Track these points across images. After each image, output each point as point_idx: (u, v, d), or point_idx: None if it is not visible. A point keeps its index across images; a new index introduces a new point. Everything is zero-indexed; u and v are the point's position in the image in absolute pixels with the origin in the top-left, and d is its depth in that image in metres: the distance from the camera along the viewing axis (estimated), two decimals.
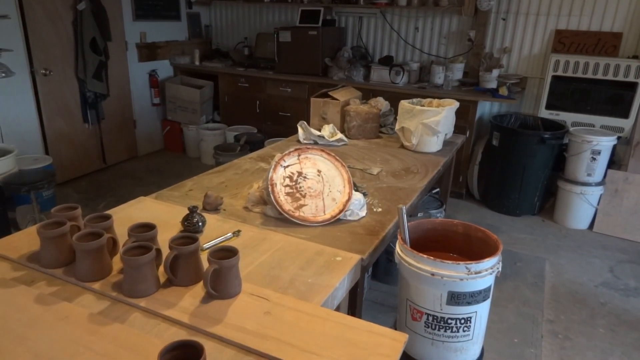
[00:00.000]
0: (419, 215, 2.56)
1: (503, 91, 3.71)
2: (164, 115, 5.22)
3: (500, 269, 1.58)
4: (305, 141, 2.43)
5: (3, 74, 3.34)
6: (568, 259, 3.08)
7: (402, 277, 1.78)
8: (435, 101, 2.49)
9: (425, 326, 1.71)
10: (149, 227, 1.14)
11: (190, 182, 1.84)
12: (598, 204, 3.49)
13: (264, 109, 4.77)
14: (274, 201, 1.47)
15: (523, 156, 3.55)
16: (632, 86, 3.44)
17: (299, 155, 1.62)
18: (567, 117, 3.71)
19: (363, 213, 1.58)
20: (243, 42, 5.36)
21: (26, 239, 1.26)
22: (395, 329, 1.04)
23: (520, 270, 2.93)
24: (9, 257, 1.18)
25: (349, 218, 1.54)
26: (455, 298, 1.62)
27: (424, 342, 1.74)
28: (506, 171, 3.66)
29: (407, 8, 4.35)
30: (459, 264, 1.57)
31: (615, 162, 3.63)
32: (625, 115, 3.52)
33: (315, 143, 2.41)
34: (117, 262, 1.13)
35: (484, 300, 1.71)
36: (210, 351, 0.86)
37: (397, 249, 1.75)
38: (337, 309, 1.17)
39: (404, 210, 1.57)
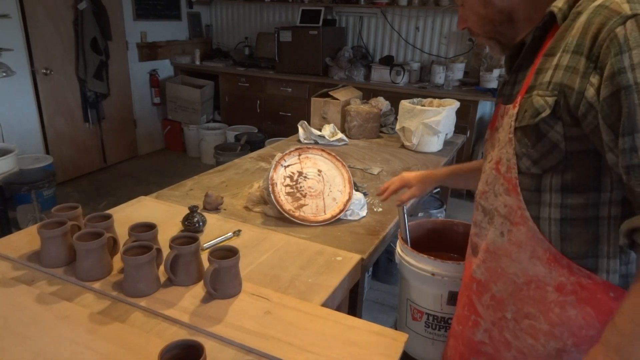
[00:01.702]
0: (419, 215, 2.56)
1: None
2: (164, 114, 5.22)
3: None
4: (305, 141, 2.43)
5: (4, 74, 3.34)
6: None
7: (402, 277, 1.78)
8: (436, 101, 2.48)
9: (425, 326, 1.71)
10: (149, 227, 1.14)
11: (190, 181, 1.84)
12: None
13: (265, 109, 4.77)
14: (274, 201, 1.47)
15: None
16: None
17: (299, 155, 1.61)
18: None
19: (363, 213, 1.58)
20: (244, 42, 5.36)
21: (26, 239, 1.26)
22: (396, 329, 1.04)
23: None
24: (9, 257, 1.18)
25: (349, 218, 1.54)
26: (456, 298, 1.62)
27: (424, 342, 1.73)
28: None
29: (408, 8, 4.35)
30: (459, 264, 1.57)
31: None
32: None
33: (316, 143, 2.41)
34: (117, 262, 1.13)
35: None
36: (210, 351, 0.86)
37: (398, 248, 1.75)
38: (338, 308, 1.17)
39: (405, 210, 1.57)
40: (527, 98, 0.84)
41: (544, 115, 0.79)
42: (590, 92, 0.74)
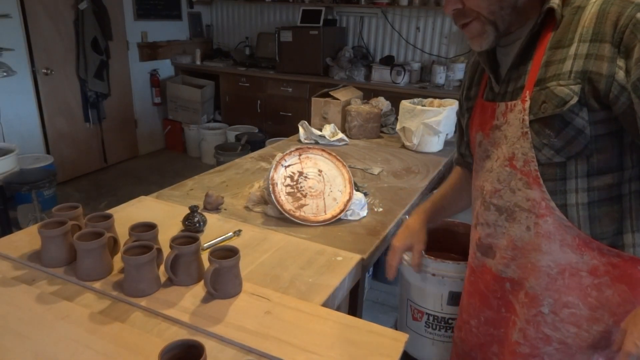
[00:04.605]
0: None
1: None
2: (165, 114, 5.22)
3: None
4: (306, 141, 2.43)
5: (4, 73, 3.34)
6: None
7: (402, 277, 1.78)
8: (437, 101, 2.48)
9: (426, 326, 1.71)
10: (149, 227, 1.14)
11: (191, 181, 1.84)
12: None
13: (265, 109, 4.78)
14: (274, 201, 1.47)
15: None
16: None
17: (299, 155, 1.61)
18: None
19: (364, 213, 1.58)
20: (244, 42, 5.36)
21: (27, 238, 1.26)
22: (396, 329, 1.04)
23: None
24: (9, 256, 1.18)
25: (349, 218, 1.54)
26: (456, 298, 1.62)
27: (424, 342, 1.73)
28: None
29: (409, 8, 4.35)
30: (459, 263, 1.57)
31: None
32: None
33: (316, 143, 2.41)
34: (117, 262, 1.13)
35: None
36: (210, 350, 0.86)
37: None
38: (338, 308, 1.17)
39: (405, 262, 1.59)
40: (539, 90, 0.87)
41: (572, 103, 0.83)
42: (620, 74, 0.78)
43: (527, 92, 0.89)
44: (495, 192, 1.00)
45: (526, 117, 0.89)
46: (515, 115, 0.91)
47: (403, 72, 4.10)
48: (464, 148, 1.24)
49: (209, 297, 1.04)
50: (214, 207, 1.56)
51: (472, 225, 1.11)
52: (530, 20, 0.90)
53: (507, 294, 1.03)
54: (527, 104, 0.88)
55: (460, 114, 1.19)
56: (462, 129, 1.20)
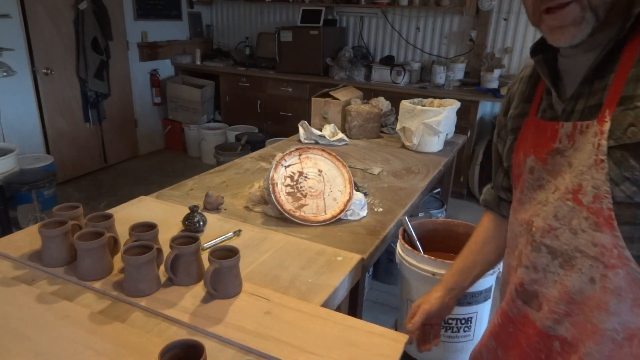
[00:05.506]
0: (420, 215, 2.56)
1: (504, 91, 3.71)
2: (165, 114, 5.22)
3: (501, 269, 1.58)
4: (306, 141, 2.43)
5: (4, 73, 3.35)
6: None
7: (403, 277, 1.78)
8: (437, 101, 2.48)
9: None
10: (149, 227, 1.14)
11: (191, 181, 1.84)
12: None
13: (265, 109, 4.78)
14: (274, 201, 1.47)
15: None
16: None
17: (299, 155, 1.61)
18: None
19: (364, 213, 1.58)
20: (244, 42, 5.36)
21: (27, 238, 1.26)
22: (396, 329, 1.03)
23: None
24: (10, 256, 1.18)
25: (349, 218, 1.54)
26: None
27: None
28: None
29: (409, 8, 4.35)
30: None
31: None
32: None
33: (316, 143, 2.41)
34: (118, 261, 1.13)
35: (485, 300, 1.71)
36: (210, 351, 0.86)
37: (398, 249, 1.76)
38: (338, 309, 1.17)
39: (408, 220, 1.57)
40: (624, 110, 0.70)
41: None
42: None
43: (607, 111, 0.72)
44: (549, 230, 0.82)
45: (604, 142, 0.72)
46: (588, 139, 0.75)
47: (403, 72, 4.10)
48: (502, 177, 1.06)
49: (208, 297, 1.04)
50: (214, 207, 1.56)
51: (511, 265, 0.93)
52: (615, 26, 0.74)
53: (554, 355, 0.85)
54: (607, 126, 0.72)
55: (498, 136, 1.02)
56: (499, 155, 1.02)
